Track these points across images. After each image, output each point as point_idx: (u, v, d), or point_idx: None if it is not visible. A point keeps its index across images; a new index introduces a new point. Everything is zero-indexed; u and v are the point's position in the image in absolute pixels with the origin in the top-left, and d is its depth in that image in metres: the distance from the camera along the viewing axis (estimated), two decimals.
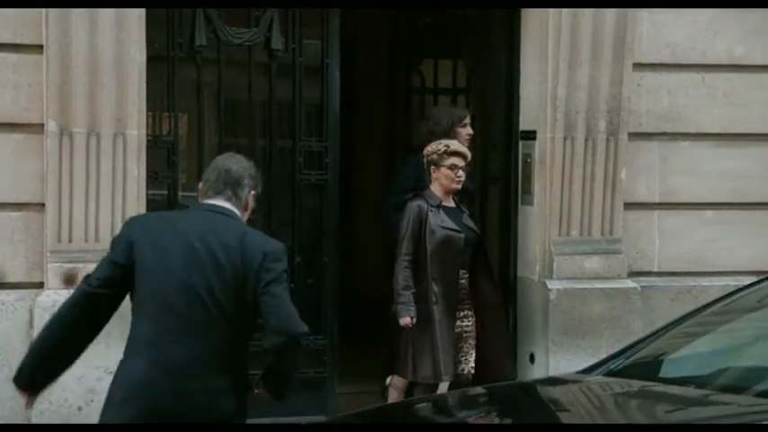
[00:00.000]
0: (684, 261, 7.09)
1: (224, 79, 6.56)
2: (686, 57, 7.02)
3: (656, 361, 4.37)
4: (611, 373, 4.27)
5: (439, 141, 6.05)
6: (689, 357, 4.39)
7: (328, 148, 6.68)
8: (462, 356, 5.94)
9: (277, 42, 6.56)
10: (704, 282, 7.02)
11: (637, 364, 4.32)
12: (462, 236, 5.93)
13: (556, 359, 6.44)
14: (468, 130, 6.48)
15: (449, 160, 5.93)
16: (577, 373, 4.49)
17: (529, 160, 6.90)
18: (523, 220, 6.99)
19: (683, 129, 7.06)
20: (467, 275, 6.03)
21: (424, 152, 6.03)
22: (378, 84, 8.27)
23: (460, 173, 5.96)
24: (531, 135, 6.90)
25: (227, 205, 3.91)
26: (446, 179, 5.94)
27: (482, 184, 7.10)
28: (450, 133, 6.34)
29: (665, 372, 4.31)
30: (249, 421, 3.92)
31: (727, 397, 3.83)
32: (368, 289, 7.72)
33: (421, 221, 5.88)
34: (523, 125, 6.96)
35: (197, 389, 3.73)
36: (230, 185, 3.93)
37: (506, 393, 4.42)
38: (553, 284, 6.72)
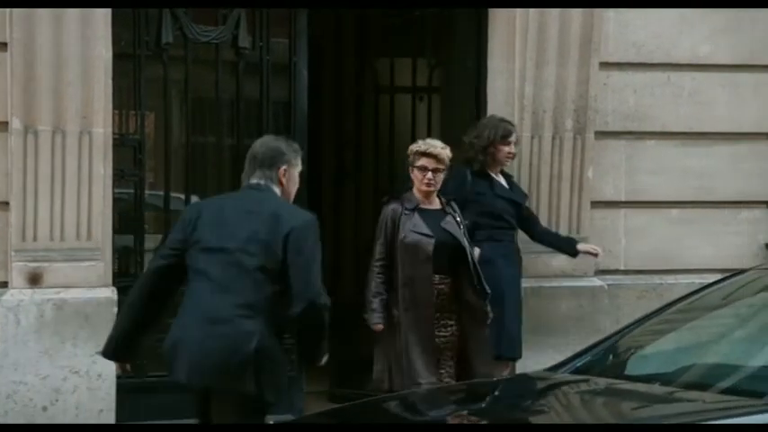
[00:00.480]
0: (650, 259, 7.13)
1: (191, 77, 6.53)
2: (652, 56, 7.06)
3: (622, 358, 4.40)
4: (577, 371, 4.29)
5: (417, 141, 5.92)
6: (654, 355, 4.42)
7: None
8: (441, 367, 5.71)
9: (244, 41, 6.54)
10: (670, 279, 7.07)
11: (603, 362, 4.34)
12: (432, 240, 5.68)
13: (524, 357, 6.45)
14: (511, 148, 6.31)
15: (419, 161, 5.75)
16: (544, 370, 4.50)
17: None
18: None
19: (648, 127, 7.10)
20: (448, 281, 5.75)
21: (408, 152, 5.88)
22: (346, 83, 8.25)
23: (430, 175, 5.73)
24: None
25: (262, 182, 4.50)
26: (417, 181, 5.78)
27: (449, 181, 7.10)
28: (489, 148, 6.24)
29: (630, 369, 4.34)
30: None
31: (692, 394, 3.85)
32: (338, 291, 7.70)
33: (394, 225, 5.71)
34: None
35: (226, 332, 4.28)
36: (262, 166, 4.52)
37: (474, 391, 4.43)
38: (522, 283, 6.72)
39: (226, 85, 6.59)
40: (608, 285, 6.93)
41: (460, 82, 7.13)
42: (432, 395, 4.43)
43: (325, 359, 4.49)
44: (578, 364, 4.34)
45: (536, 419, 3.88)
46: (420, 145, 5.83)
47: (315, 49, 6.92)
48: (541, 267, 6.81)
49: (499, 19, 6.84)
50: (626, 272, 7.10)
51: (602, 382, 4.16)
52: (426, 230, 5.73)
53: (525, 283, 6.69)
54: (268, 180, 4.51)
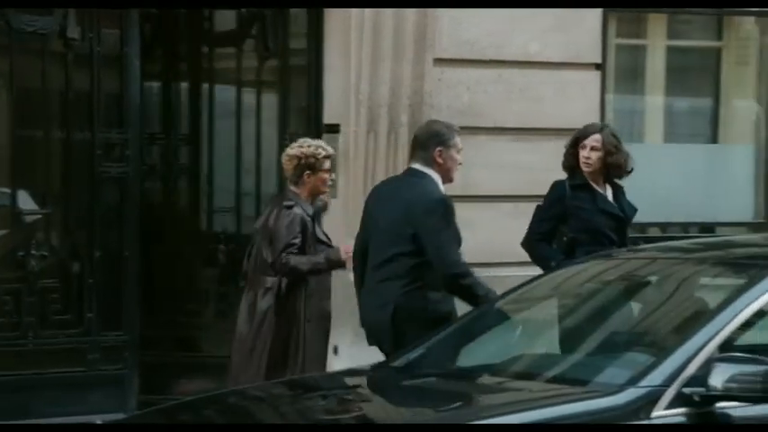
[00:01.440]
0: (483, 252, 7.23)
1: (16, 68, 6.32)
2: (484, 53, 7.19)
3: (453, 350, 4.45)
4: (410, 364, 4.33)
5: (309, 144, 5.73)
6: (485, 346, 4.49)
7: (129, 139, 6.53)
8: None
9: (73, 31, 6.38)
10: (502, 272, 7.19)
11: (435, 354, 4.39)
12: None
13: (359, 351, 6.48)
14: (587, 152, 5.72)
15: (326, 164, 5.66)
16: (377, 364, 4.53)
17: None
18: (328, 212, 7.00)
19: (481, 123, 7.22)
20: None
21: (298, 153, 5.65)
22: (181, 75, 8.13)
23: (333, 176, 5.79)
24: (334, 129, 6.93)
25: (417, 166, 5.14)
26: (320, 183, 5.67)
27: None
28: (569, 156, 5.85)
29: (461, 361, 4.40)
30: (38, 421, 3.82)
31: (520, 383, 3.93)
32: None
33: (305, 230, 5.56)
34: (327, 119, 6.98)
35: (377, 304, 5.14)
36: (418, 149, 5.13)
37: (305, 386, 4.42)
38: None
39: (54, 76, 6.40)
40: None
41: (297, 77, 7.11)
42: (260, 391, 4.39)
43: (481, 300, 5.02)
44: (411, 357, 4.38)
45: (365, 410, 3.89)
46: (326, 148, 5.72)
47: (147, 40, 6.79)
48: None
49: (335, 15, 6.85)
50: None
51: (433, 374, 4.20)
52: (327, 239, 5.71)
53: None
54: (423, 161, 5.11)
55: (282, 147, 7.10)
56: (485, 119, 7.23)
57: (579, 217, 5.71)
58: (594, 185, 5.77)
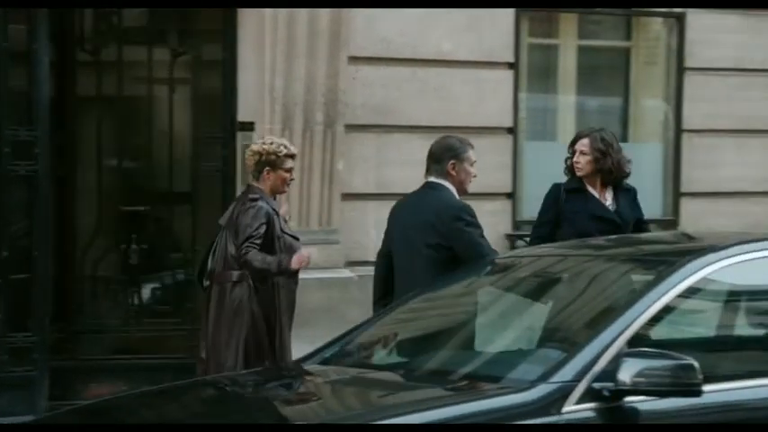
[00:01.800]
0: None
1: None
2: (399, 51, 7.22)
3: (368, 348, 4.46)
4: (325, 362, 4.32)
5: (272, 141, 5.81)
6: (400, 343, 4.51)
7: (38, 137, 6.42)
8: None
9: None
10: None
11: (350, 352, 4.39)
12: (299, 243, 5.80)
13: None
14: (576, 156, 5.74)
15: (288, 163, 5.76)
16: (293, 362, 4.51)
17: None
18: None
19: (396, 121, 7.25)
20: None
21: (260, 149, 5.73)
22: (94, 72, 8.02)
23: (294, 176, 5.85)
24: (249, 126, 6.90)
25: (432, 178, 5.40)
26: (280, 182, 5.75)
27: (201, 175, 7.03)
28: (567, 160, 5.82)
29: (377, 358, 4.41)
30: None
31: (434, 380, 3.95)
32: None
33: (269, 225, 5.64)
34: (242, 116, 6.95)
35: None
36: (433, 162, 5.39)
37: (232, 383, 4.40)
38: None
39: None
40: (358, 277, 7.03)
41: (211, 74, 7.06)
42: (183, 388, 4.35)
43: None
44: (326, 355, 4.37)
45: (283, 410, 3.88)
46: (288, 147, 5.79)
47: (58, 36, 6.68)
48: None
49: (249, 11, 6.81)
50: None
51: (349, 371, 4.20)
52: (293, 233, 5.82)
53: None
54: (437, 174, 5.35)
55: (196, 144, 7.08)
56: (399, 117, 7.26)
57: (571, 221, 5.68)
58: (591, 189, 5.75)
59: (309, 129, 6.88)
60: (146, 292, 7.53)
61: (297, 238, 5.82)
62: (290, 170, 5.78)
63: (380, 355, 4.44)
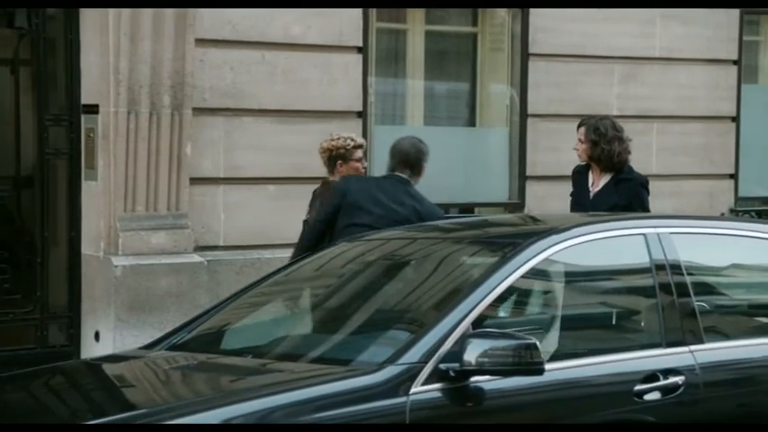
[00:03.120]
0: (249, 234, 7.26)
1: None
2: (247, 34, 7.16)
3: (218, 333, 4.44)
4: (173, 347, 4.29)
5: (338, 136, 6.19)
6: (249, 328, 4.50)
7: None
8: None
9: None
10: (267, 254, 7.23)
11: (199, 337, 4.36)
12: None
13: (122, 336, 6.37)
14: (576, 144, 6.01)
15: (357, 153, 6.12)
16: (140, 348, 4.46)
17: (92, 135, 6.76)
18: (87, 195, 6.84)
19: (245, 105, 7.21)
20: None
21: (329, 146, 6.13)
22: None
23: (366, 164, 6.29)
24: (93, 109, 6.76)
25: (404, 175, 5.84)
26: (354, 172, 6.07)
27: (46, 158, 6.86)
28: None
29: (226, 343, 4.39)
30: None
31: (283, 365, 3.96)
32: None
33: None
34: (86, 98, 6.80)
35: None
36: (406, 162, 5.83)
37: (69, 372, 4.31)
38: (119, 261, 6.64)
39: None
40: (208, 261, 6.97)
41: (53, 54, 6.88)
42: (23, 377, 4.25)
43: None
44: (175, 341, 4.33)
45: (132, 396, 3.83)
46: (355, 139, 6.20)
47: None
48: (139, 244, 6.73)
49: None
50: (225, 248, 7.18)
51: (198, 357, 4.18)
52: None
53: (123, 261, 6.60)
54: (409, 172, 5.81)
55: (42, 127, 6.88)
56: (248, 100, 7.22)
57: (572, 201, 6.07)
58: (591, 174, 6.00)
59: (156, 112, 6.77)
60: None
61: None
62: (359, 159, 6.16)
63: (230, 340, 4.42)
